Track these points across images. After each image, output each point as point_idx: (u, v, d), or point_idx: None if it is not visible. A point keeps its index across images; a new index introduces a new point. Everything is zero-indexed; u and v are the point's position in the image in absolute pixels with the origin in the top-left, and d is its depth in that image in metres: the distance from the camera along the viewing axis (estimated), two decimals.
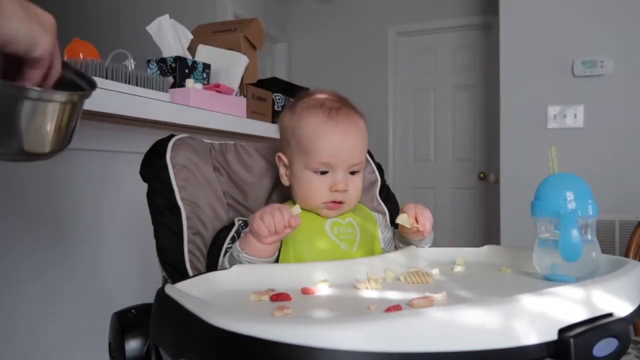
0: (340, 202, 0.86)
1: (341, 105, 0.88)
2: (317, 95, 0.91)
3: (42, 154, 0.58)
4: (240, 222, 0.91)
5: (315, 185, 0.85)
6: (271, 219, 0.74)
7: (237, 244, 0.80)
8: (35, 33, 0.51)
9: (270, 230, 0.74)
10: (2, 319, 1.20)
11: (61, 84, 0.60)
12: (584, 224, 0.68)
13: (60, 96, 0.56)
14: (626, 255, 1.58)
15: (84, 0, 3.56)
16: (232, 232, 0.89)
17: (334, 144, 0.84)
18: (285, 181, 0.92)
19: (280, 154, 0.91)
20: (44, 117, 0.56)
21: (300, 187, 0.87)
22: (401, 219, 0.84)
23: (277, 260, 0.83)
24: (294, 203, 0.89)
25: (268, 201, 1.00)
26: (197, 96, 1.62)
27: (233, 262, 0.78)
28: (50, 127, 0.56)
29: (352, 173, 0.87)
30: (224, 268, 0.79)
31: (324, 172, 0.85)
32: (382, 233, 0.94)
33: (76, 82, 0.65)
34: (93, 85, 0.64)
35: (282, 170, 0.92)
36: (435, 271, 0.77)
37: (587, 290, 0.54)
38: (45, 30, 0.53)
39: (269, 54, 3.91)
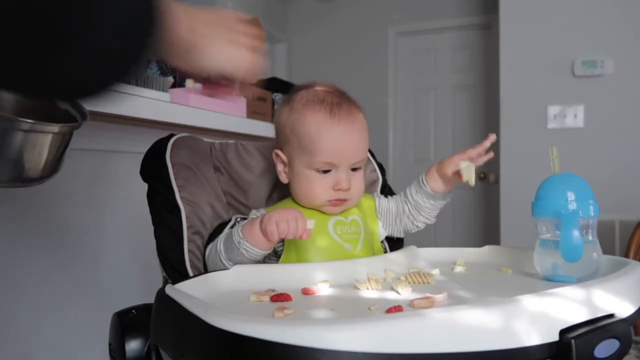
0: (344, 200, 0.86)
1: (341, 100, 0.87)
2: (316, 88, 0.90)
3: (33, 179, 0.61)
4: (238, 218, 0.91)
5: (318, 184, 0.84)
6: (286, 227, 0.73)
7: (239, 228, 0.78)
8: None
9: (281, 236, 0.74)
10: (2, 318, 1.20)
11: (54, 114, 0.62)
12: (585, 225, 0.68)
13: (53, 127, 0.59)
14: (626, 255, 1.58)
15: None
16: (228, 228, 0.88)
17: (337, 143, 0.83)
18: (283, 179, 0.90)
19: (278, 151, 0.89)
20: (36, 147, 0.58)
21: (301, 186, 0.86)
22: (465, 166, 0.90)
23: (278, 261, 0.83)
24: (293, 200, 0.89)
25: (269, 200, 1.00)
26: (197, 96, 1.62)
27: (230, 245, 0.78)
28: (42, 156, 0.59)
29: (354, 169, 0.86)
30: (218, 251, 0.78)
31: (326, 171, 0.84)
32: (381, 212, 0.93)
33: (69, 112, 0.68)
34: (85, 116, 0.67)
35: (280, 167, 0.90)
36: (435, 271, 0.76)
37: (588, 291, 0.54)
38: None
39: (268, 53, 3.91)
